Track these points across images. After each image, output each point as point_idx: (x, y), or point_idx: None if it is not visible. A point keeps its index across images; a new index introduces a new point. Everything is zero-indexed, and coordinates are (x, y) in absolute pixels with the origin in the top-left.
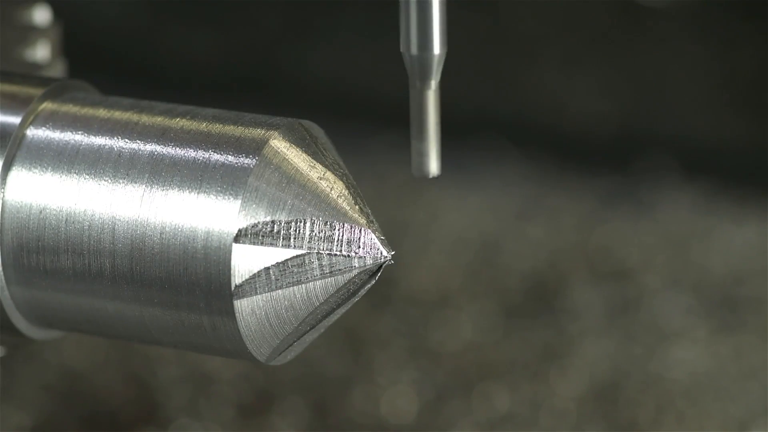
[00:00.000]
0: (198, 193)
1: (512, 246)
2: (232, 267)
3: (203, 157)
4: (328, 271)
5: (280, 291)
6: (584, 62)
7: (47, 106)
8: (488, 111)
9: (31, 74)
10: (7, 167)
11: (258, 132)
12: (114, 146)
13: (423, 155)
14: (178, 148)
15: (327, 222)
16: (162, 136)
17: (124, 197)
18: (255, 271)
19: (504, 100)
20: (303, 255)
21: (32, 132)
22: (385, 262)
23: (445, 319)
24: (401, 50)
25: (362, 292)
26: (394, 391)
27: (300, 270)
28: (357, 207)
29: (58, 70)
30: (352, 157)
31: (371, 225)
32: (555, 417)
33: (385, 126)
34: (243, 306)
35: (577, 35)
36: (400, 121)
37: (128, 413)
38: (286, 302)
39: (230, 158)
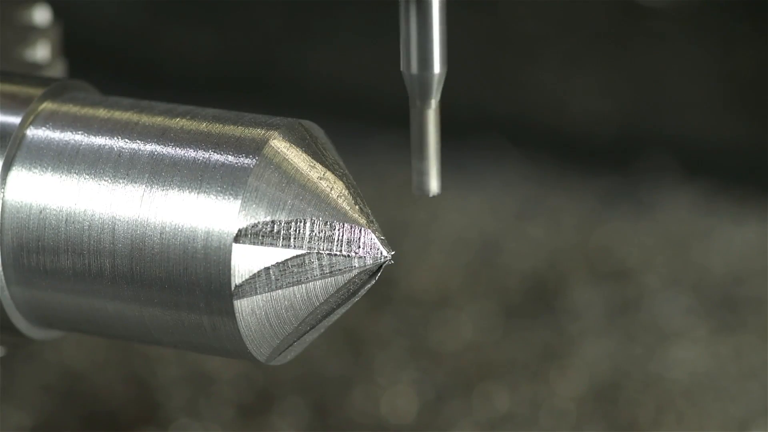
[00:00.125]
0: (198, 193)
1: (512, 246)
2: (232, 267)
3: (203, 157)
4: (328, 271)
5: (280, 291)
6: (584, 62)
7: (47, 106)
8: (488, 111)
9: (31, 74)
10: (7, 167)
11: (258, 132)
12: (114, 146)
13: (423, 174)
14: (178, 148)
15: (327, 222)
16: (162, 136)
17: (124, 197)
18: (255, 271)
19: (504, 100)
20: (303, 255)
21: (32, 132)
22: (385, 262)
23: (445, 319)
24: (401, 69)
25: (362, 292)
26: (394, 391)
27: (300, 270)
28: (357, 207)
29: (58, 70)
30: (352, 157)
31: (371, 225)
32: (555, 417)
33: (385, 126)
34: (243, 306)
35: (577, 35)
36: (400, 121)
37: (128, 413)
38: (286, 302)
39: (230, 158)
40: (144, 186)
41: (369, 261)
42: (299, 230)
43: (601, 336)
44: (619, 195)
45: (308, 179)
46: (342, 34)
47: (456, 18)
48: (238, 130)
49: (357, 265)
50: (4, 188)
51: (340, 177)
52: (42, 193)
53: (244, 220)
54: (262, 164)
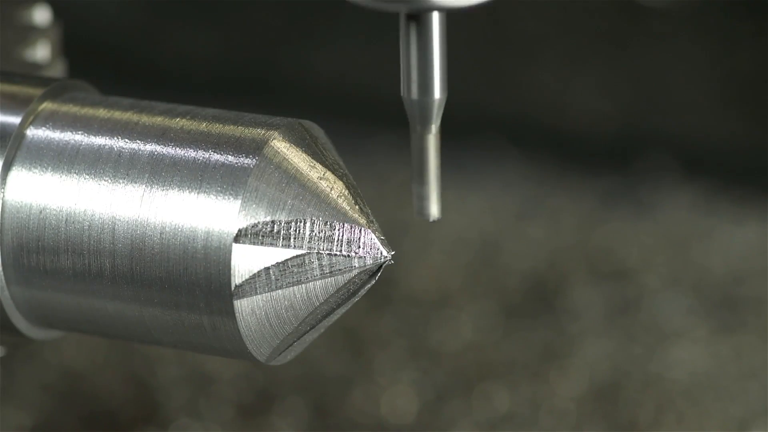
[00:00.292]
0: (198, 193)
1: (512, 246)
2: (232, 267)
3: (203, 157)
4: (328, 271)
5: (280, 291)
6: (584, 62)
7: (47, 106)
8: (488, 111)
9: (31, 74)
10: (7, 167)
11: (258, 132)
12: (114, 146)
13: (424, 199)
14: (178, 148)
15: (327, 222)
16: (162, 136)
17: (124, 197)
18: (255, 271)
19: (504, 100)
20: (303, 255)
21: (32, 132)
22: (385, 262)
23: (445, 319)
24: (401, 95)
25: (362, 292)
26: (394, 391)
27: (300, 270)
28: (357, 207)
29: (58, 70)
30: (352, 157)
31: (371, 225)
32: (555, 417)
33: (385, 126)
34: (243, 306)
35: (577, 35)
36: (400, 122)
37: (128, 413)
38: (286, 302)
39: (230, 158)
40: (144, 186)
41: (369, 261)
42: (299, 230)
43: (601, 336)
44: (619, 195)
45: (308, 179)
46: (342, 35)
47: (456, 18)
48: (238, 130)
49: (357, 265)
50: (4, 188)
51: (340, 177)
52: (42, 193)
53: (244, 220)
54: (262, 164)
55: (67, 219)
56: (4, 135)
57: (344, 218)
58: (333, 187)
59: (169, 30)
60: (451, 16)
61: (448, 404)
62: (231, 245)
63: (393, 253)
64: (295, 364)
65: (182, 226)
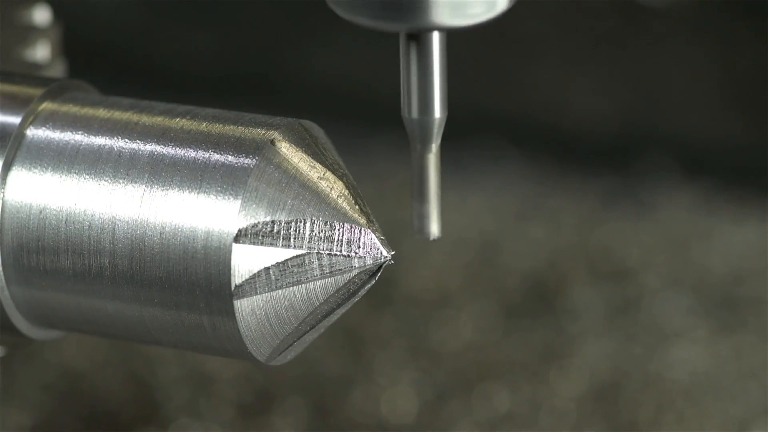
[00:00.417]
0: (198, 193)
1: (512, 246)
2: (232, 267)
3: (203, 157)
4: (328, 271)
5: (280, 291)
6: (584, 62)
7: (47, 106)
8: (488, 111)
9: (31, 74)
10: (7, 167)
11: (258, 132)
12: (114, 146)
13: (424, 217)
14: (178, 148)
15: (327, 222)
16: (162, 136)
17: (124, 197)
18: (255, 271)
19: (504, 100)
20: (303, 255)
21: (32, 132)
22: (385, 262)
23: (445, 319)
24: (402, 114)
25: (362, 292)
26: (394, 391)
27: (300, 270)
28: (357, 207)
29: (58, 70)
30: (352, 157)
31: (371, 225)
32: (555, 417)
33: (385, 126)
34: (243, 306)
35: (577, 35)
36: (400, 122)
37: (128, 413)
38: (286, 302)
39: (230, 158)
40: (144, 186)
41: (369, 261)
42: (299, 230)
43: (601, 336)
44: (619, 195)
45: (308, 179)
46: (342, 35)
47: None
48: (238, 130)
49: (357, 265)
50: (4, 188)
51: (340, 177)
52: (42, 193)
53: (244, 220)
54: (262, 164)
55: (67, 219)
56: (4, 135)
57: (344, 218)
58: (333, 187)
59: (169, 30)
60: (452, 33)
61: (448, 404)
62: (231, 245)
63: (393, 253)
64: (295, 364)
65: (182, 226)
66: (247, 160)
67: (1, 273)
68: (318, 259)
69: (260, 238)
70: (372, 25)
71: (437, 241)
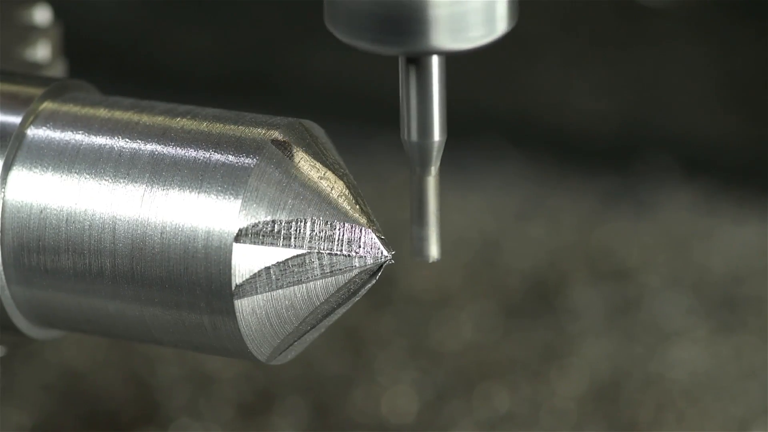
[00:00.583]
0: (198, 192)
1: (512, 246)
2: (233, 267)
3: (204, 157)
4: (328, 271)
5: (280, 290)
6: (584, 62)
7: (48, 105)
8: (488, 111)
9: (31, 74)
10: (8, 167)
11: (258, 131)
12: (114, 146)
13: (423, 240)
14: (178, 148)
15: (328, 221)
16: (162, 135)
17: (125, 197)
18: (255, 270)
19: (504, 100)
20: (303, 254)
21: (33, 132)
22: (385, 262)
23: (445, 319)
24: (401, 137)
25: (363, 291)
26: (394, 390)
27: (300, 269)
28: (358, 207)
29: (58, 70)
30: (353, 157)
31: (372, 224)
32: (555, 417)
33: (385, 126)
34: (243, 305)
35: (577, 35)
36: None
37: (128, 413)
38: (286, 302)
39: (231, 158)
40: (145, 186)
41: (369, 260)
42: (300, 230)
43: (602, 336)
44: (619, 195)
45: (309, 179)
46: None
47: None
48: (238, 130)
49: (357, 265)
50: (4, 188)
51: (341, 177)
52: (42, 192)
53: (244, 219)
54: (263, 164)
55: (67, 219)
56: (5, 135)
57: (345, 218)
58: (333, 187)
59: (169, 30)
60: (451, 57)
61: (449, 404)
62: (231, 245)
63: (393, 252)
64: (296, 364)
65: (183, 225)
66: (248, 160)
67: (2, 272)
68: (318, 259)
69: (261, 237)
70: (371, 49)
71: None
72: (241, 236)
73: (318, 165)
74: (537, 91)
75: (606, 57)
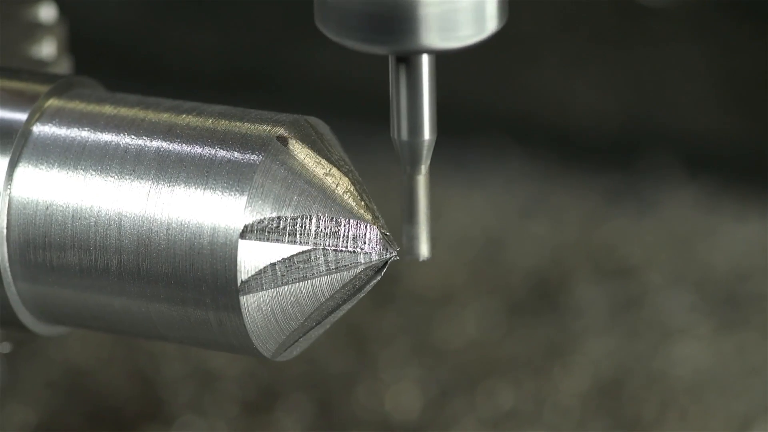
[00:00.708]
0: (204, 189)
1: (516, 243)
2: (238, 263)
3: (209, 154)
4: (333, 267)
5: (286, 287)
6: (587, 61)
7: (53, 102)
8: (491, 109)
9: (37, 71)
10: (14, 164)
11: (264, 128)
12: (120, 143)
13: (414, 238)
14: (184, 145)
15: (333, 218)
16: (168, 132)
17: (131, 193)
18: (261, 266)
19: (507, 98)
20: (309, 251)
21: (39, 129)
22: (390, 258)
23: (448, 316)
24: (391, 136)
25: (368, 287)
26: (398, 387)
27: (306, 266)
28: (363, 203)
29: (63, 67)
30: (355, 154)
31: (377, 221)
32: (559, 414)
33: (387, 124)
34: (249, 302)
35: (578, 35)
36: None
37: (132, 410)
38: (292, 298)
39: (236, 155)
40: (150, 182)
41: (375, 257)
42: (305, 226)
43: (605, 333)
44: (622, 193)
45: (314, 176)
46: None
47: None
48: (244, 127)
49: (363, 261)
50: (10, 185)
51: (346, 173)
52: (48, 189)
53: (250, 216)
54: (268, 161)
55: (73, 215)
56: (11, 132)
57: (350, 214)
58: (339, 184)
59: (173, 27)
60: (441, 56)
61: (452, 401)
62: (237, 241)
63: (399, 249)
64: (300, 362)
65: (188, 222)
66: (253, 157)
67: (8, 269)
68: (324, 255)
69: (266, 234)
70: (361, 48)
71: (441, 238)
72: (246, 233)
73: (323, 162)
74: (540, 90)
75: (606, 56)
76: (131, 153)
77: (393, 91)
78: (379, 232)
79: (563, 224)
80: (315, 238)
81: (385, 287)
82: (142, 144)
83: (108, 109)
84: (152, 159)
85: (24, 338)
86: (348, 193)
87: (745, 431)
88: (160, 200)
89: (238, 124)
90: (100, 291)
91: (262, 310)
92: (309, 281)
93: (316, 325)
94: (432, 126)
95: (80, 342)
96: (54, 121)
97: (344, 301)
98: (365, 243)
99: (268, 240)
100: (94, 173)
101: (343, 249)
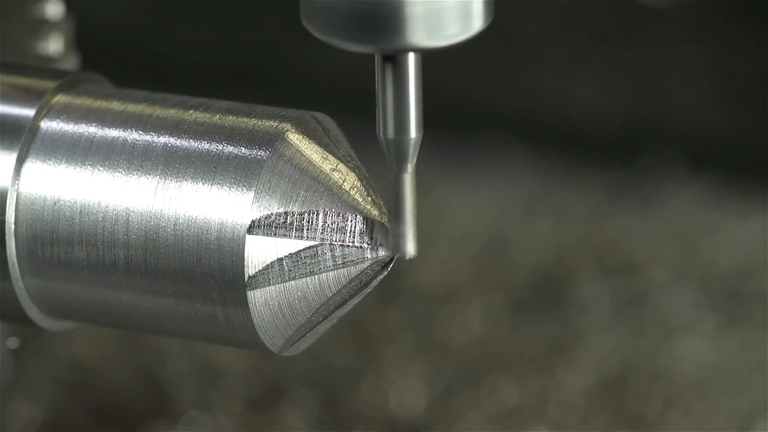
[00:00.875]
0: (211, 184)
1: (519, 240)
2: (246, 258)
3: (217, 149)
4: (340, 262)
5: (293, 282)
6: (589, 59)
7: (61, 98)
8: (495, 106)
9: (44, 67)
10: (22, 160)
11: (271, 124)
12: (128, 138)
13: (400, 237)
14: (191, 140)
15: (340, 213)
16: (175, 128)
17: (138, 189)
18: (268, 261)
19: (510, 95)
20: (316, 246)
21: (46, 124)
22: (397, 254)
23: (452, 313)
24: (377, 134)
25: (375, 283)
26: (402, 384)
27: (313, 261)
28: (370, 198)
29: (71, 64)
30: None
31: (384, 216)
32: (563, 410)
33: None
34: (256, 297)
35: (579, 34)
36: None
37: (138, 406)
38: (299, 293)
39: (243, 150)
40: (158, 178)
41: (382, 252)
42: (312, 221)
43: (609, 330)
44: (625, 190)
45: (321, 171)
46: None
47: None
48: (251, 123)
49: (370, 256)
50: (18, 180)
51: (353, 169)
52: (56, 184)
53: (257, 211)
54: (275, 156)
55: (81, 210)
56: (19, 128)
57: (357, 210)
58: (346, 179)
59: (176, 24)
60: (427, 54)
61: (457, 398)
62: (244, 236)
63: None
64: (304, 358)
65: (196, 217)
66: (261, 152)
67: (16, 264)
68: (331, 250)
69: (273, 229)
70: (347, 47)
71: (445, 235)
72: (254, 228)
73: (330, 157)
74: (543, 87)
75: (607, 56)
76: (139, 149)
77: (379, 89)
78: (386, 228)
79: (567, 221)
80: (322, 233)
81: (390, 284)
82: (150, 140)
83: (115, 105)
84: (160, 154)
85: (30, 334)
86: (355, 189)
87: (749, 427)
88: (168, 196)
89: (245, 119)
90: (108, 286)
91: (269, 305)
92: (316, 276)
93: (323, 320)
94: (418, 124)
95: (85, 338)
96: (61, 117)
97: (351, 296)
98: (372, 238)
99: (275, 235)
100: (101, 169)
101: (350, 244)
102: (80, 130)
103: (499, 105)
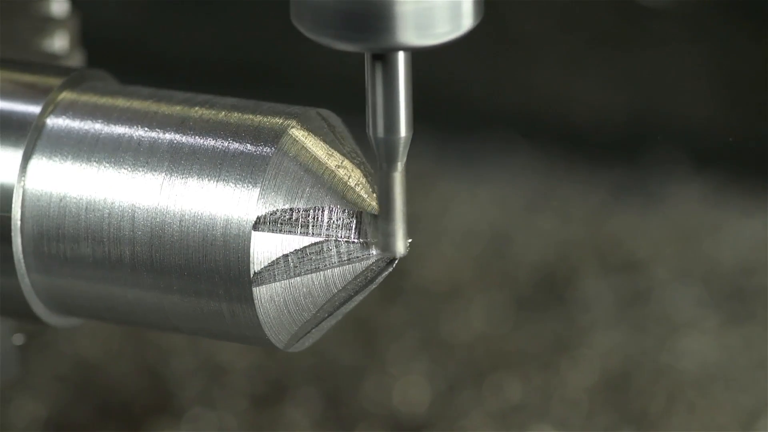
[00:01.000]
0: (217, 181)
1: (522, 238)
2: (251, 254)
3: (222, 146)
4: (345, 259)
5: (298, 278)
6: (592, 58)
7: (67, 95)
8: (498, 104)
9: (50, 64)
10: (28, 156)
11: (276, 121)
12: (134, 135)
13: (390, 235)
14: (197, 137)
15: (345, 210)
16: (181, 124)
17: (144, 185)
18: (274, 258)
19: (512, 93)
20: (321, 242)
21: (52, 121)
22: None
23: (456, 310)
24: (367, 133)
25: (379, 279)
26: (406, 381)
27: (318, 257)
28: (375, 195)
29: (76, 61)
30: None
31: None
32: (566, 407)
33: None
34: (262, 293)
35: (582, 34)
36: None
37: (142, 403)
38: (304, 289)
39: (249, 147)
40: (164, 174)
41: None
42: (317, 218)
43: (612, 327)
44: (628, 187)
45: (326, 167)
46: None
47: None
48: (256, 119)
49: (374, 253)
50: (24, 177)
51: (358, 165)
52: (62, 181)
53: (263, 207)
54: (281, 153)
55: (87, 207)
56: (25, 125)
57: (362, 206)
58: (351, 176)
59: (181, 22)
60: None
61: (460, 394)
62: (250, 233)
63: (410, 240)
64: (308, 355)
65: (202, 213)
66: (266, 149)
67: (22, 260)
68: (336, 247)
69: (279, 225)
70: (337, 45)
71: (448, 233)
72: (259, 224)
73: (335, 154)
74: (546, 85)
75: (613, 53)
76: (144, 145)
77: (369, 88)
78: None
79: (570, 219)
80: (327, 229)
81: (393, 281)
82: (156, 136)
83: (121, 102)
84: (165, 151)
85: (34, 331)
86: (360, 185)
87: (752, 424)
88: (174, 192)
89: (250, 116)
90: (114, 282)
91: (274, 301)
92: (321, 272)
93: (328, 316)
94: (408, 123)
95: (90, 336)
96: (67, 114)
97: (356, 293)
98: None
99: (280, 231)
100: (107, 165)
101: (355, 240)
102: (86, 127)
103: (501, 104)
